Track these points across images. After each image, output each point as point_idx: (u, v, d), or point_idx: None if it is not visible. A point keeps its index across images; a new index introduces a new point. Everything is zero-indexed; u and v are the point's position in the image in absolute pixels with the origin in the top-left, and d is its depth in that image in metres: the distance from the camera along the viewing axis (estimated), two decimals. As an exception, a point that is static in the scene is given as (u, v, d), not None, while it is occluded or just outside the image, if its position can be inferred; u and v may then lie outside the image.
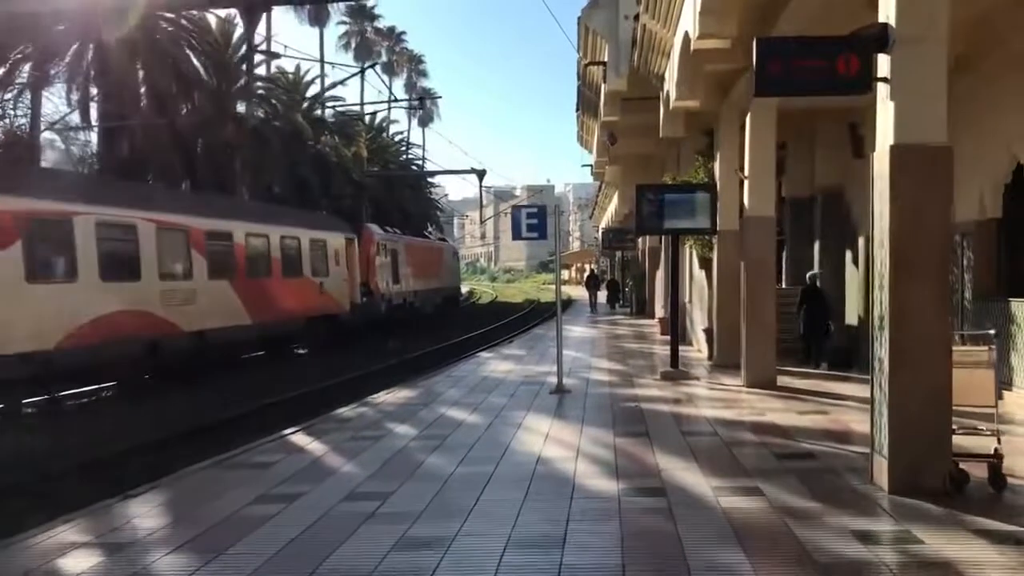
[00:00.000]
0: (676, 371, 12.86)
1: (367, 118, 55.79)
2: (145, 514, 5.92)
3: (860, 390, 10.85)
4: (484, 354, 17.82)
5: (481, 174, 43.83)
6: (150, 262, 16.19)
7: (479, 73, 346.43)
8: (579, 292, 48.67)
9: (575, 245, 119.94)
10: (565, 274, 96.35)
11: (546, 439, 8.08)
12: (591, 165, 29.51)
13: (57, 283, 14.06)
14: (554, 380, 11.83)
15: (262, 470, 7.10)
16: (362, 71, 30.01)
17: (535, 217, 11.48)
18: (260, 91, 36.89)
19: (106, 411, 14.12)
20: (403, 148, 62.63)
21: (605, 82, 17.72)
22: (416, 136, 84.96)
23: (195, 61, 28.84)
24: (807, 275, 14.91)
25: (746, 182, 11.85)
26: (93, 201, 15.07)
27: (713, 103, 13.62)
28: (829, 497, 5.80)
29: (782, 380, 11.66)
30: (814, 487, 6.06)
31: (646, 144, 22.25)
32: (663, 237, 19.11)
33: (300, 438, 8.59)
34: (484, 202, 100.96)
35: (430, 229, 57.42)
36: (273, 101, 38.69)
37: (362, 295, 26.91)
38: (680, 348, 16.96)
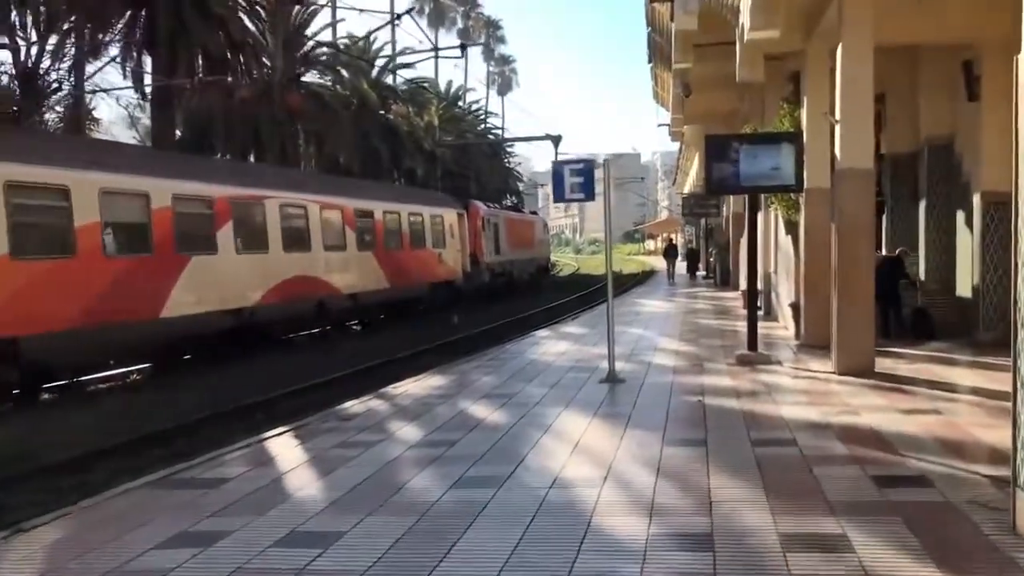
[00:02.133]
0: (754, 354, 10.97)
1: (441, 87, 54.56)
2: (10, 564, 4.52)
3: (977, 378, 8.86)
4: (542, 332, 16.16)
5: (557, 140, 41.98)
6: (317, 236, 19.71)
7: (561, 41, 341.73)
8: (662, 263, 46.65)
9: (663, 215, 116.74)
10: (651, 244, 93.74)
11: (574, 449, 6.40)
12: (668, 125, 27.39)
13: (256, 254, 17.45)
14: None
15: (206, 491, 5.64)
16: (463, 47, 28.11)
17: (581, 174, 9.72)
18: (324, 58, 35.74)
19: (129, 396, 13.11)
20: (480, 117, 61.20)
21: (673, 22, 15.69)
22: (495, 105, 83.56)
23: (249, 25, 27.71)
24: (897, 249, 13.55)
25: (837, 128, 9.84)
26: (275, 187, 18.78)
27: (797, 37, 11.57)
28: (951, 556, 3.99)
29: (881, 363, 9.71)
30: (927, 536, 4.23)
31: (726, 98, 20.12)
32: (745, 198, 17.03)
33: (282, 442, 7.14)
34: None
35: (511, 200, 55.93)
36: (339, 69, 37.59)
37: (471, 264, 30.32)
38: (765, 325, 15.11)
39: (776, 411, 7.61)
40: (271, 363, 16.45)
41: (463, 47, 26.97)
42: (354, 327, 23.37)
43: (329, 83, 36.59)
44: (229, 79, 26.44)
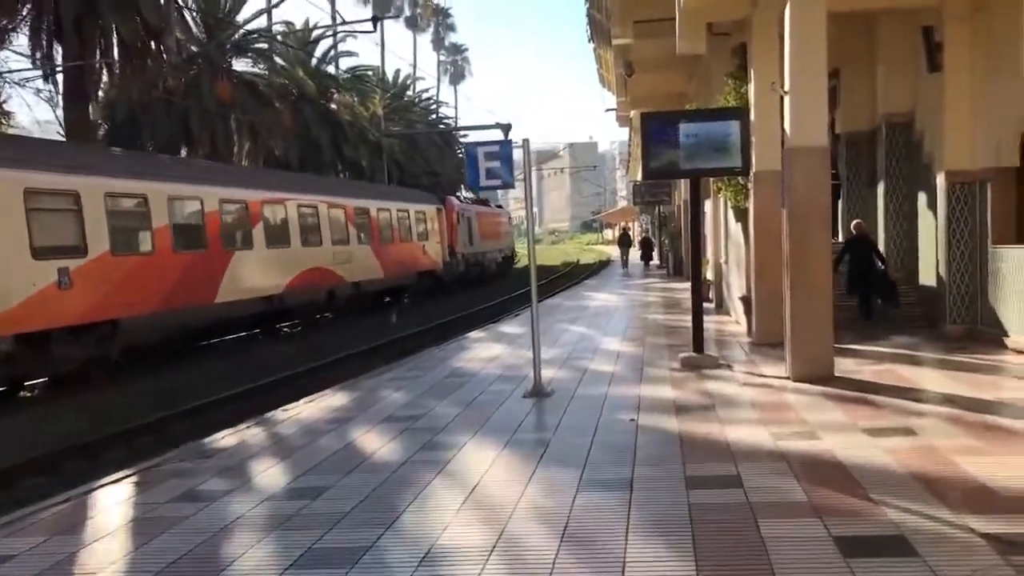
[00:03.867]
0: (701, 357, 9.79)
1: (389, 76, 52.91)
2: None
3: (949, 382, 7.72)
4: (476, 333, 14.85)
5: (506, 128, 40.78)
6: (326, 232, 22.41)
7: (518, 29, 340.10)
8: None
9: (621, 204, 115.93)
10: (609, 234, 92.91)
11: (467, 499, 5.10)
12: (615, 109, 26.18)
13: (281, 248, 20.05)
14: (543, 371, 8.93)
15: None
16: (376, 20, 26.59)
17: (498, 157, 8.41)
18: (257, 45, 33.98)
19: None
20: (431, 107, 59.59)
21: (611, -6, 14.47)
22: (448, 95, 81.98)
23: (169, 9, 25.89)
24: (852, 223, 12.60)
25: (786, 100, 8.65)
26: (293, 190, 21.33)
27: (741, 2, 10.39)
28: None
29: (840, 364, 8.59)
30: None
31: (672, 79, 18.94)
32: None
33: (113, 494, 5.76)
34: (538, 167, 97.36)
35: (465, 192, 54.82)
36: (275, 57, 35.86)
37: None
38: (716, 320, 13.99)
39: (721, 434, 6.39)
40: (189, 371, 15.07)
41: (375, 20, 25.37)
42: (285, 329, 21.95)
43: (264, 71, 34.79)
44: (150, 65, 24.58)
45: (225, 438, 7.28)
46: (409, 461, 6.11)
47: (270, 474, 6.00)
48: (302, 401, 8.94)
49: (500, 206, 53.38)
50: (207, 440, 7.27)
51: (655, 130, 9.71)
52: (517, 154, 8.82)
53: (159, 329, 15.76)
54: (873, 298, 12.08)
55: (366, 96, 41.81)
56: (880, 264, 12.18)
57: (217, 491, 5.59)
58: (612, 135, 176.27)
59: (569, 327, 14.61)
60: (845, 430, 6.28)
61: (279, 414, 8.25)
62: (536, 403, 8.08)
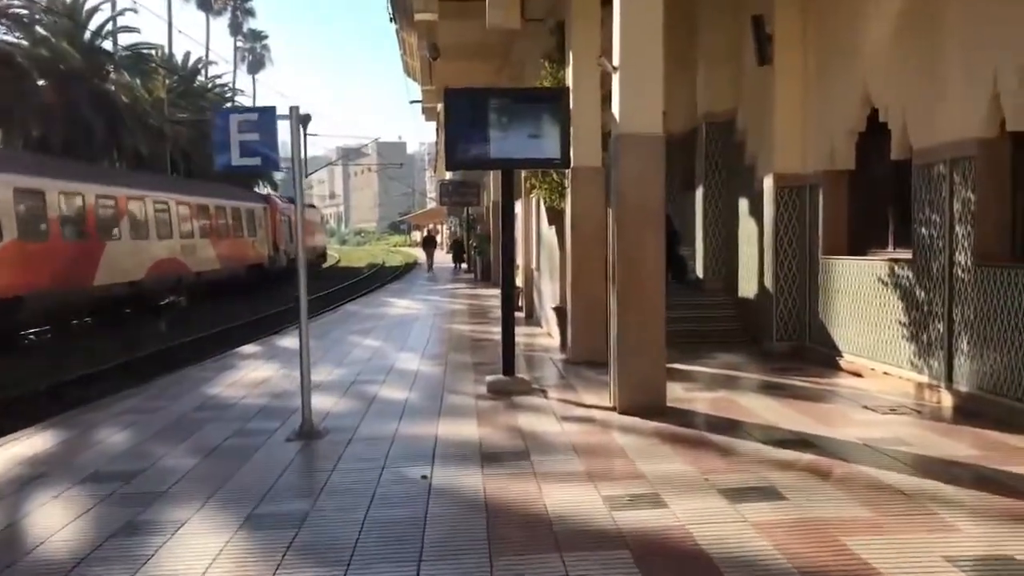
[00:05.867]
0: (511, 381, 8.26)
1: (178, 58, 48.71)
2: None
3: (795, 413, 6.52)
4: (249, 348, 12.67)
5: (305, 119, 38.39)
6: (175, 227, 25.13)
7: (321, 20, 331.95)
8: (438, 256, 44.67)
9: (430, 205, 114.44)
10: (417, 235, 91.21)
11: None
12: (420, 101, 24.52)
13: (142, 240, 22.78)
14: (319, 401, 7.13)
15: None
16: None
17: (257, 128, 6.47)
18: (16, 11, 29.67)
19: None
20: (226, 95, 55.57)
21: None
22: (245, 84, 77.70)
23: None
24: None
25: (615, 80, 7.27)
26: (150, 187, 24.32)
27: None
28: None
29: (669, 391, 7.29)
30: None
31: (483, 68, 17.51)
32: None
33: None
34: (333, 162, 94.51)
35: (264, 185, 51.77)
36: (37, 28, 31.55)
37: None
38: (527, 332, 12.61)
39: (536, 498, 4.81)
40: None
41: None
42: (30, 337, 18.72)
43: (24, 42, 30.48)
44: None
45: None
46: (90, 558, 4.12)
47: None
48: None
49: (313, 205, 56.68)
50: None
51: (461, 109, 8.10)
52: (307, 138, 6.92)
53: (52, 306, 18.14)
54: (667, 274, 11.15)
55: (149, 78, 37.88)
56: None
57: None
58: (422, 136, 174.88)
59: (362, 340, 12.76)
60: (695, 490, 4.87)
61: (-67, 473, 5.91)
62: (302, 449, 6.22)
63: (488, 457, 5.76)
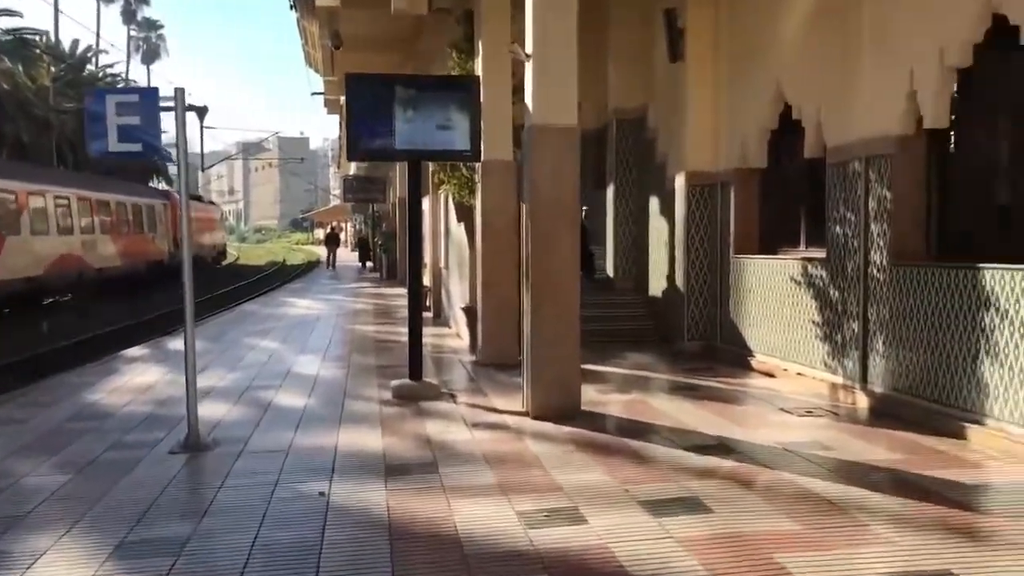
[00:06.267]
0: (418, 385, 7.83)
1: (66, 45, 46.30)
2: None
3: (713, 416, 6.30)
4: (135, 351, 11.84)
5: (202, 111, 36.85)
6: (76, 222, 24.59)
7: (229, 16, 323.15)
8: (343, 254, 43.83)
9: (334, 202, 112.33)
10: (321, 233, 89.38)
11: None
12: (323, 93, 23.73)
13: (42, 236, 22.25)
14: (209, 409, 6.57)
15: None
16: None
17: (138, 111, 5.87)
18: None
19: None
20: (118, 86, 53.09)
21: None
22: (139, 75, 74.74)
23: None
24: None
25: (528, 68, 6.92)
26: (51, 182, 24.05)
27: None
28: None
29: (586, 395, 7.02)
30: None
31: (388, 60, 16.96)
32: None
33: None
34: (232, 156, 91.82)
35: (159, 181, 49.90)
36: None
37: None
38: (435, 333, 12.19)
39: (445, 515, 4.42)
40: None
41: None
42: None
43: None
44: None
45: None
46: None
47: None
48: None
49: (212, 202, 58.06)
50: None
51: (364, 97, 7.63)
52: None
53: None
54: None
55: (32, 64, 35.79)
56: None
57: None
58: (325, 131, 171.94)
59: (260, 342, 12.10)
60: (615, 502, 4.56)
61: None
62: (187, 463, 5.66)
63: (393, 470, 5.33)
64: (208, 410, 6.92)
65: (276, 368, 9.68)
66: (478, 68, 9.51)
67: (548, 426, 6.38)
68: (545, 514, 4.38)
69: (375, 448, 5.90)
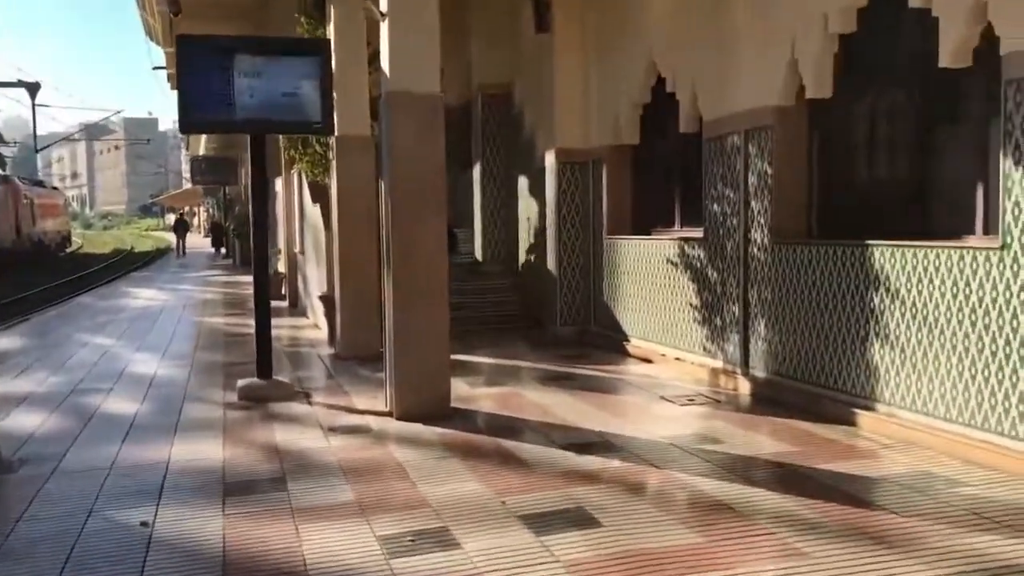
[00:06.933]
0: (268, 385, 7.02)
1: None
2: None
3: (595, 410, 5.85)
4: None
5: (34, 88, 34.27)
6: None
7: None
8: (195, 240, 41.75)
9: (186, 186, 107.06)
10: (171, 219, 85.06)
11: None
12: (163, 67, 22.02)
13: None
14: (20, 420, 5.61)
15: None
16: None
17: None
18: None
19: None
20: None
21: None
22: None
23: None
24: None
25: (384, 30, 6.21)
26: None
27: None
28: None
29: (456, 389, 6.43)
30: None
31: (232, 31, 15.73)
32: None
33: None
34: (73, 136, 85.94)
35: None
36: None
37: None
38: (290, 324, 11.36)
39: (292, 544, 3.72)
40: None
41: None
42: None
43: None
44: None
45: None
46: None
47: None
48: None
49: (56, 187, 57.36)
50: None
51: (197, 61, 6.73)
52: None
53: None
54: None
55: None
56: None
57: None
58: (174, 112, 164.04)
59: (92, 339, 10.91)
60: (492, 519, 3.98)
61: None
62: (-24, 491, 4.73)
63: (233, 488, 4.57)
64: (18, 421, 6.01)
65: (108, 368, 8.62)
66: (331, 32, 8.70)
67: (415, 427, 5.74)
68: (410, 538, 3.76)
69: (214, 462, 5.10)
